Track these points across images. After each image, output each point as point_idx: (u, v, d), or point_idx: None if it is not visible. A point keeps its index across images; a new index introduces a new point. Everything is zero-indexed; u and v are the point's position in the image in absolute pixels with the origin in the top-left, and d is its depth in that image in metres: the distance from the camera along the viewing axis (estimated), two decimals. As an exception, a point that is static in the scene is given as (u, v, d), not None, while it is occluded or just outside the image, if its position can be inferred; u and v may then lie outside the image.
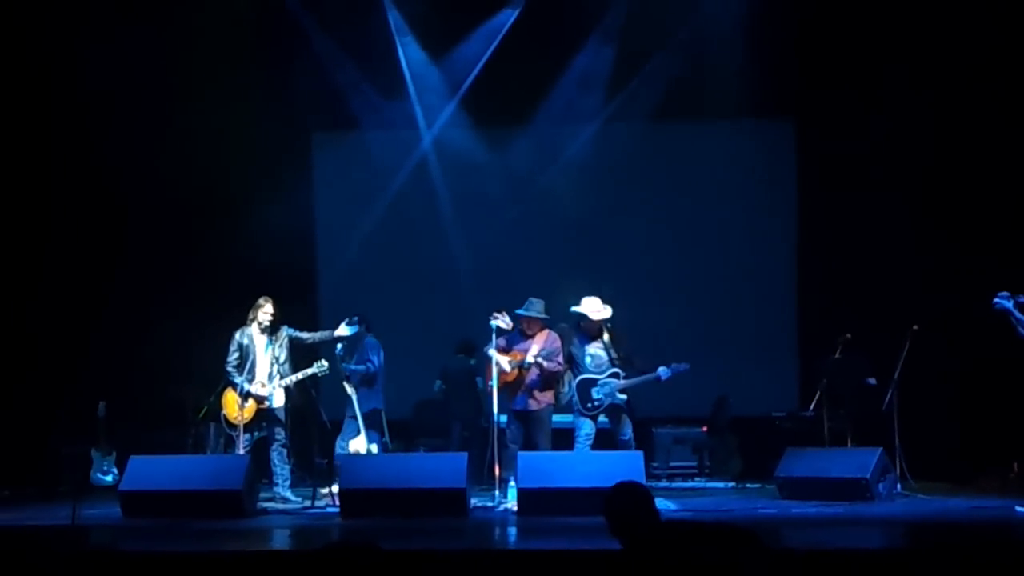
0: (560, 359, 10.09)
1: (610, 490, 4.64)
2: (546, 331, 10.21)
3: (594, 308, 10.12)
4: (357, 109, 12.88)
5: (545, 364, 9.99)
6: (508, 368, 10.03)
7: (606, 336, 10.19)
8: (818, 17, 11.94)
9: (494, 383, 9.89)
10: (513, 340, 10.19)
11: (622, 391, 10.11)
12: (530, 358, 10.00)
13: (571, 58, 12.68)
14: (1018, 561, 6.53)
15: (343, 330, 10.35)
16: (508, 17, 12.56)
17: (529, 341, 10.15)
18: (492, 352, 9.99)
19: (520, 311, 10.15)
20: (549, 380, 10.14)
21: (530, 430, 10.13)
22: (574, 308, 10.19)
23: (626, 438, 10.09)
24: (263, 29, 12.27)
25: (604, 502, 4.58)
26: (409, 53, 12.87)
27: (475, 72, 12.81)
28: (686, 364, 10.06)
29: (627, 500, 4.55)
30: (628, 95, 12.69)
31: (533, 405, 10.10)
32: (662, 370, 10.04)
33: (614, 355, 10.13)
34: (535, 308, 10.17)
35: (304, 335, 10.42)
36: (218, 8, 11.85)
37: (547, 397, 10.17)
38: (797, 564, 4.67)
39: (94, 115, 12.02)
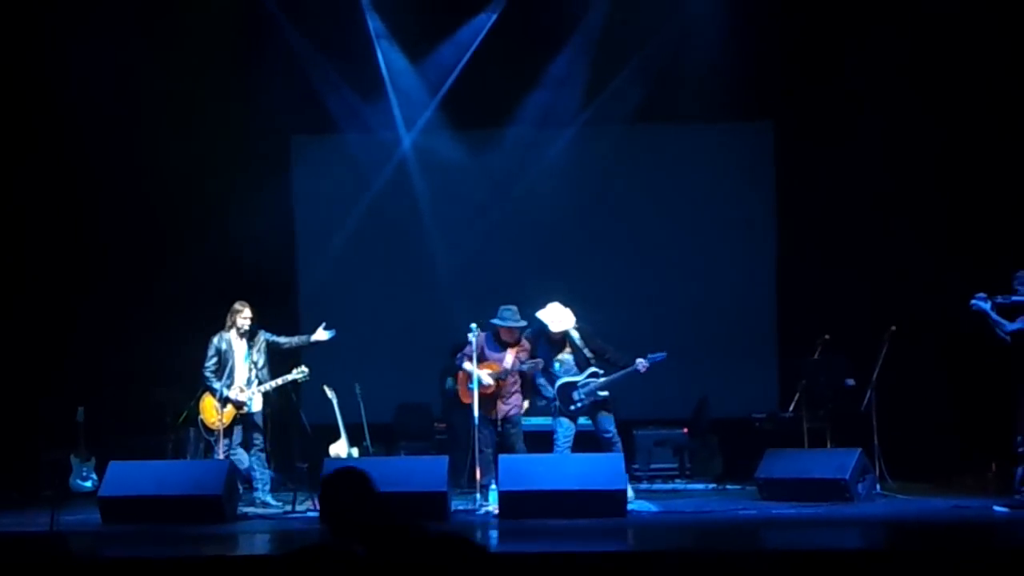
0: None
1: (328, 475, 4.42)
2: (522, 340, 10.17)
3: (555, 318, 10.04)
4: (336, 112, 12.82)
5: (525, 369, 10.01)
6: (490, 381, 9.98)
7: (575, 335, 10.14)
8: (797, 19, 11.98)
9: (474, 387, 9.84)
10: (487, 347, 10.10)
11: (603, 388, 10.11)
12: (508, 364, 10.00)
13: (550, 61, 12.67)
14: (996, 560, 6.57)
15: (321, 334, 10.29)
16: (487, 20, 12.55)
17: (503, 352, 10.12)
18: (472, 368, 9.90)
19: (496, 321, 10.08)
20: (524, 387, 10.16)
21: (504, 435, 10.09)
22: (538, 314, 10.14)
23: (608, 435, 10.05)
24: (241, 32, 12.22)
25: (321, 486, 4.31)
26: (388, 56, 12.83)
27: (454, 75, 12.79)
28: (663, 353, 10.00)
29: (345, 487, 4.29)
30: (607, 98, 12.68)
31: (508, 411, 10.08)
32: (640, 361, 9.98)
33: (588, 355, 10.10)
34: (511, 317, 10.11)
35: (281, 340, 10.37)
36: (196, 10, 11.82)
37: (517, 400, 10.16)
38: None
39: (70, 119, 11.94)
